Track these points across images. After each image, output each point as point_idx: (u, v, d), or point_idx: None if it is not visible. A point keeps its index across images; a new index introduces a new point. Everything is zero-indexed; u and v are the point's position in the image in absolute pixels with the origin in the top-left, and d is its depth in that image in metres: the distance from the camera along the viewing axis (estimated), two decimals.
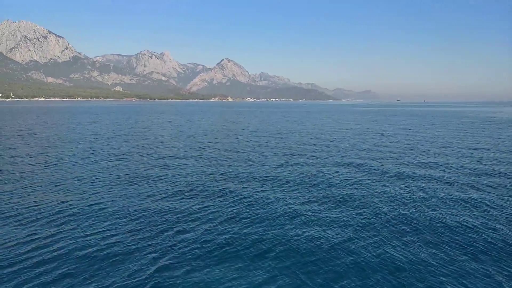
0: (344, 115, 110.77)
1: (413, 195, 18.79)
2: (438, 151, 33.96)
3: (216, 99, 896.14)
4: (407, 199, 17.97)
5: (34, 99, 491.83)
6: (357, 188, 20.09)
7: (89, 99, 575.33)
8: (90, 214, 15.46)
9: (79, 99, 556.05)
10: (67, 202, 17.06)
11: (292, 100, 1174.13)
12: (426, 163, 27.74)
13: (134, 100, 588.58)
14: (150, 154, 31.96)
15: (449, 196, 18.45)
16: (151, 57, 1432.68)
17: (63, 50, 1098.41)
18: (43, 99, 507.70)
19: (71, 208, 16.09)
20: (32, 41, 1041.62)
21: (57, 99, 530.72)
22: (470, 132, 53.20)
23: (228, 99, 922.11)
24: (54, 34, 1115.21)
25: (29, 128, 56.12)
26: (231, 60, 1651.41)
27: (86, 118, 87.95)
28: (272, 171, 24.76)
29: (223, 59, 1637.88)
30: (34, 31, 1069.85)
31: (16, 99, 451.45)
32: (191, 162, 28.04)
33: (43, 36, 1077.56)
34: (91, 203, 16.98)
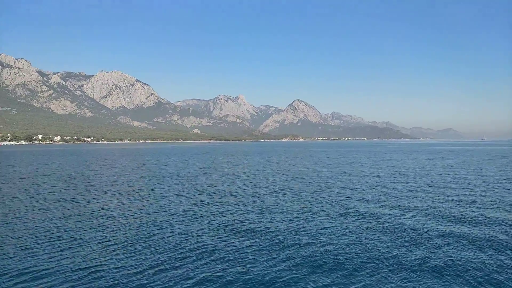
0: (417, 155, 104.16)
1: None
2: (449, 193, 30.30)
3: (287, 139, 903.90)
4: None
5: (121, 141, 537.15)
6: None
7: (169, 141, 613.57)
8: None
9: (160, 141, 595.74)
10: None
11: (365, 139, 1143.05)
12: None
13: (209, 142, 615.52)
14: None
15: None
16: (226, 101, 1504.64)
17: (148, 96, 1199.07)
18: (128, 141, 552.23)
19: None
20: (121, 89, 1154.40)
21: (141, 141, 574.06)
22: None
23: (299, 139, 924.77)
24: (140, 82, 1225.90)
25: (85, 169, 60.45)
26: (302, 101, 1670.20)
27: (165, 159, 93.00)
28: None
29: (294, 100, 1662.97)
30: (124, 80, 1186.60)
31: (105, 142, 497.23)
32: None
33: (131, 84, 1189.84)
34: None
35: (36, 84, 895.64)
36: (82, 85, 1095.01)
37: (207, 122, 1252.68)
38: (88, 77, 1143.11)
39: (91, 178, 47.17)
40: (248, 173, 52.54)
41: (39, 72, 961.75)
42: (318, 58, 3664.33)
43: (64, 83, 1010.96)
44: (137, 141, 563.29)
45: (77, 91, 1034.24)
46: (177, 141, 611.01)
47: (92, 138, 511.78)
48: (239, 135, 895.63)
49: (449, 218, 22.84)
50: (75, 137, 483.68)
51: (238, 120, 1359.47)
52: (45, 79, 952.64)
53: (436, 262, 15.03)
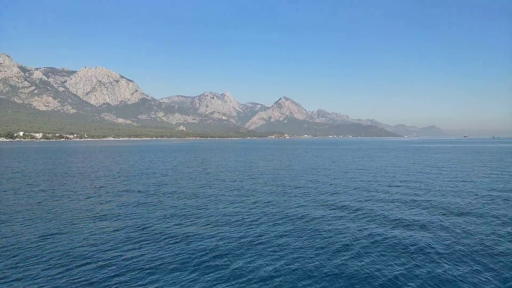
0: (385, 152, 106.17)
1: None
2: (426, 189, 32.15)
3: (273, 136, 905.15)
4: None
5: (105, 138, 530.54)
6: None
7: (154, 138, 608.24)
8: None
9: (145, 138, 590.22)
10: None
11: (351, 136, 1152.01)
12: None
13: (193, 139, 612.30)
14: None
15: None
16: (212, 98, 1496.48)
17: (132, 93, 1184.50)
18: (112, 138, 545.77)
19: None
20: (105, 85, 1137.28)
21: (125, 138, 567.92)
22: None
23: (285, 137, 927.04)
24: (125, 78, 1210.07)
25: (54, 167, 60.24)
26: (289, 99, 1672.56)
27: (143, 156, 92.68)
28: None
29: (280, 98, 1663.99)
30: (108, 76, 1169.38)
31: (89, 139, 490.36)
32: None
33: (115, 81, 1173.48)
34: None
35: (17, 80, 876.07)
36: (65, 81, 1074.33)
37: (193, 119, 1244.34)
38: (71, 73, 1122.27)
39: (52, 176, 47.01)
40: (213, 170, 52.99)
41: (20, 67, 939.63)
42: (304, 55, 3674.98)
43: (46, 79, 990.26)
44: (121, 138, 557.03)
45: (60, 87, 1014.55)
46: (162, 138, 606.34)
47: (75, 135, 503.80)
48: (225, 133, 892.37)
49: (384, 218, 23.79)
50: (58, 134, 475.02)
51: (224, 117, 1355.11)
52: (27, 75, 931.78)
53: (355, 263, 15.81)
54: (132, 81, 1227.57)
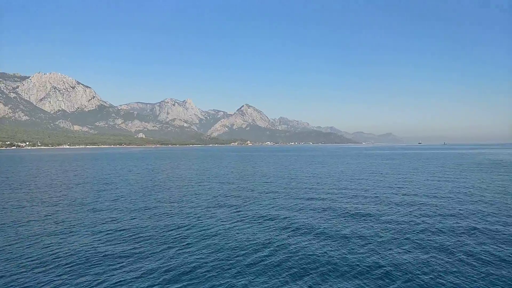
0: (339, 159, 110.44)
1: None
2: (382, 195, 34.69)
3: (236, 143, 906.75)
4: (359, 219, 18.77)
5: (59, 146, 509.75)
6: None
7: (112, 145, 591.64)
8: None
9: (102, 146, 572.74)
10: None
11: (311, 143, 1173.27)
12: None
13: (153, 146, 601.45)
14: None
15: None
16: (174, 104, 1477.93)
17: (89, 100, 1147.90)
18: (68, 146, 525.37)
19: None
20: (61, 91, 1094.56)
21: (81, 146, 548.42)
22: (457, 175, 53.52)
23: (247, 144, 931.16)
24: (82, 84, 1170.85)
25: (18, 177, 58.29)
26: (251, 106, 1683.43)
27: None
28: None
29: (243, 105, 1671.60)
30: (63, 82, 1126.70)
31: (42, 147, 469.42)
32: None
33: (71, 87, 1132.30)
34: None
35: None
36: (17, 87, 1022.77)
37: (153, 126, 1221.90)
38: (23, 78, 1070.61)
39: None
40: (157, 178, 52.96)
41: None
42: (266, 63, 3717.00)
43: None
44: (78, 146, 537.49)
45: (11, 93, 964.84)
46: (121, 146, 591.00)
47: (27, 143, 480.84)
48: (187, 140, 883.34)
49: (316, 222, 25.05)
50: (8, 142, 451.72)
51: (185, 125, 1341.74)
52: None
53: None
54: (89, 87, 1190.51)
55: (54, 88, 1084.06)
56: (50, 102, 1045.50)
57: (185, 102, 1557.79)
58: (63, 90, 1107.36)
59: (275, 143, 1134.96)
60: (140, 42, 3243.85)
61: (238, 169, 73.35)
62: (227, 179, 51.06)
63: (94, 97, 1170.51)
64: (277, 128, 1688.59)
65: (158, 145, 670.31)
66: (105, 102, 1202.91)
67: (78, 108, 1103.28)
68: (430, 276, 14.49)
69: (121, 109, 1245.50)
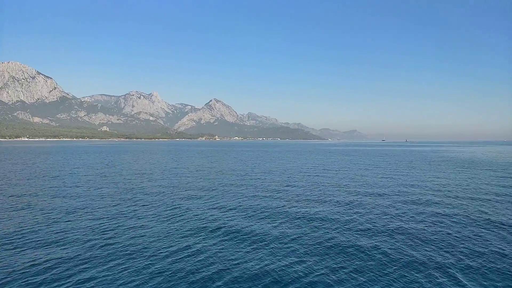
0: (301, 155, 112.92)
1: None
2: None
3: (204, 138, 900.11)
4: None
5: (18, 139, 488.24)
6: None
7: (74, 139, 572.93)
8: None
9: (64, 139, 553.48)
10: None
11: (279, 139, 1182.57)
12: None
13: (118, 140, 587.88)
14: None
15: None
16: (139, 97, 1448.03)
17: (51, 91, 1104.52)
18: (27, 139, 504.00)
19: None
20: (20, 81, 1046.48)
21: (41, 139, 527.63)
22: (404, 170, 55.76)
23: (215, 139, 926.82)
24: (42, 74, 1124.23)
25: None
26: (219, 101, 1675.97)
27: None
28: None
29: (211, 100, 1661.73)
30: (23, 72, 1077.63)
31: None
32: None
33: (31, 77, 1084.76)
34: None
35: None
36: None
37: (118, 120, 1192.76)
38: None
39: None
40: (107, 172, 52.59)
41: None
42: (236, 58, 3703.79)
43: None
44: (38, 139, 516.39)
45: None
46: (83, 139, 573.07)
47: None
48: (153, 134, 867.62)
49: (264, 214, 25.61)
50: None
51: (151, 118, 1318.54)
52: None
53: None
54: (51, 77, 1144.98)
55: (12, 78, 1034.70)
56: (8, 92, 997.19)
57: (151, 95, 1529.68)
58: (22, 80, 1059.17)
59: (244, 139, 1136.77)
60: (105, 31, 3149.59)
61: (194, 164, 72.77)
62: (173, 175, 51.14)
63: (55, 88, 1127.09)
64: (246, 124, 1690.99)
65: (122, 139, 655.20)
66: (68, 94, 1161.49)
67: (38, 99, 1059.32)
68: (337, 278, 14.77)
69: (84, 101, 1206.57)
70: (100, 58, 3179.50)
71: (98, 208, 26.45)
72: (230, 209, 26.43)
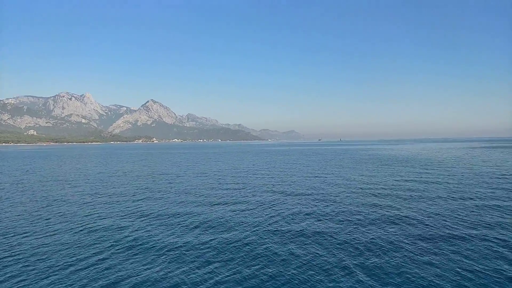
0: (237, 156, 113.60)
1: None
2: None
3: (141, 141, 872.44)
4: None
5: None
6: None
7: None
8: None
9: None
10: None
11: (220, 140, 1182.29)
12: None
13: (45, 145, 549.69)
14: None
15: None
16: (70, 99, 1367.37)
17: None
18: None
19: None
20: None
21: None
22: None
23: (153, 141, 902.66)
24: None
25: None
26: (157, 102, 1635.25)
27: None
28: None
29: (148, 101, 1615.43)
30: None
31: None
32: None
33: None
34: None
35: None
36: None
37: (46, 123, 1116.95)
38: None
39: None
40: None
41: None
42: (173, 57, 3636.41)
43: None
44: None
45: None
46: (8, 144, 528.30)
47: None
48: (85, 137, 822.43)
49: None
50: None
51: (84, 121, 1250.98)
52: None
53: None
54: None
55: None
56: None
57: (84, 97, 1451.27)
58: None
59: (183, 141, 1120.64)
60: (30, 27, 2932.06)
61: (124, 169, 69.79)
62: (98, 181, 48.11)
63: None
64: (185, 125, 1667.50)
65: (52, 143, 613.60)
66: None
67: None
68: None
69: (8, 103, 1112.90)
70: (25, 56, 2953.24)
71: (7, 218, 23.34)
72: (148, 216, 25.20)
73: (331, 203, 28.55)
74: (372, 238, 18.97)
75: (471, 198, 29.73)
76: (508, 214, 23.81)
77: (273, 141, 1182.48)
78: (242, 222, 22.69)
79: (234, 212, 25.88)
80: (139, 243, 18.59)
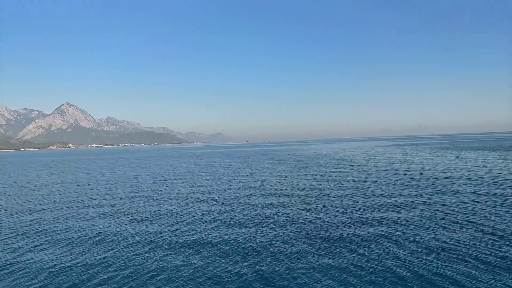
0: (157, 160, 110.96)
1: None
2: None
3: (55, 147, 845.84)
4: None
5: None
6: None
7: None
8: None
9: None
10: None
11: (143, 144, 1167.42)
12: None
13: None
14: None
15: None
16: None
17: None
18: None
19: None
20: None
21: None
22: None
23: (69, 147, 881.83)
24: None
25: None
26: (73, 105, 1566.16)
27: None
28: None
29: (63, 104, 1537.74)
30: None
31: None
32: None
33: None
34: None
35: None
36: None
37: None
38: None
39: None
40: None
41: None
42: (90, 57, 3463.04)
43: None
44: None
45: None
46: None
47: None
48: None
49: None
50: None
51: None
52: None
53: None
54: None
55: None
56: None
57: None
58: None
59: (103, 145, 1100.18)
60: None
61: (29, 178, 63.84)
62: None
63: None
64: (105, 129, 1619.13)
65: None
66: None
67: None
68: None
69: None
70: None
71: None
72: (35, 232, 22.17)
73: (241, 206, 27.80)
74: (270, 239, 18.35)
75: (374, 195, 30.62)
76: (404, 209, 24.59)
77: (200, 143, 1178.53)
78: (142, 232, 20.84)
79: (139, 222, 23.83)
80: (16, 261, 16.10)
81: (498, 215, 22.29)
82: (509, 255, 15.34)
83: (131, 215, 26.38)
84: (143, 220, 24.57)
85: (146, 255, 17.30)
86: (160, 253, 17.50)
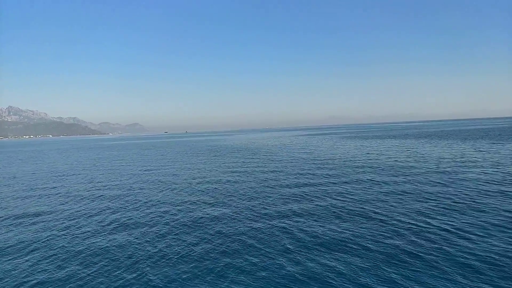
0: (62, 153, 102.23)
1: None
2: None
3: None
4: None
5: None
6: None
7: None
8: None
9: None
10: None
11: (51, 136, 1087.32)
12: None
13: None
14: None
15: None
16: None
17: None
18: None
19: None
20: None
21: None
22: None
23: None
24: None
25: None
26: None
27: None
28: None
29: None
30: None
31: None
32: None
33: None
34: None
35: None
36: None
37: None
38: None
39: None
40: None
41: None
42: None
43: None
44: None
45: None
46: None
47: None
48: None
49: None
50: None
51: None
52: None
53: None
54: None
55: None
56: None
57: None
58: None
59: (3, 138, 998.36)
60: None
61: None
62: None
63: None
64: (6, 120, 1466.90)
65: None
66: None
67: None
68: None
69: None
70: None
71: None
72: None
73: (140, 203, 26.44)
74: (160, 239, 17.32)
75: (281, 186, 31.17)
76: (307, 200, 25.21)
77: (114, 135, 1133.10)
78: (26, 241, 18.43)
79: (26, 226, 21.18)
80: None
81: (386, 202, 23.74)
82: (391, 242, 16.19)
83: (18, 217, 23.42)
84: (28, 224, 21.96)
85: (14, 263, 15.27)
86: (33, 261, 15.58)
